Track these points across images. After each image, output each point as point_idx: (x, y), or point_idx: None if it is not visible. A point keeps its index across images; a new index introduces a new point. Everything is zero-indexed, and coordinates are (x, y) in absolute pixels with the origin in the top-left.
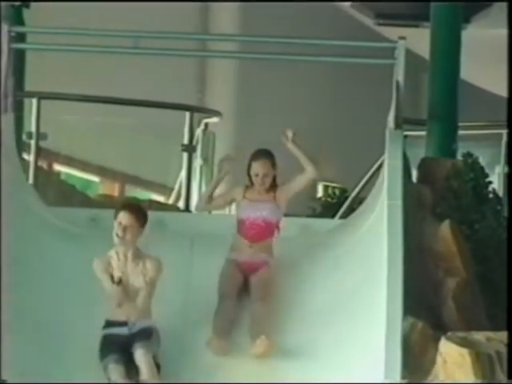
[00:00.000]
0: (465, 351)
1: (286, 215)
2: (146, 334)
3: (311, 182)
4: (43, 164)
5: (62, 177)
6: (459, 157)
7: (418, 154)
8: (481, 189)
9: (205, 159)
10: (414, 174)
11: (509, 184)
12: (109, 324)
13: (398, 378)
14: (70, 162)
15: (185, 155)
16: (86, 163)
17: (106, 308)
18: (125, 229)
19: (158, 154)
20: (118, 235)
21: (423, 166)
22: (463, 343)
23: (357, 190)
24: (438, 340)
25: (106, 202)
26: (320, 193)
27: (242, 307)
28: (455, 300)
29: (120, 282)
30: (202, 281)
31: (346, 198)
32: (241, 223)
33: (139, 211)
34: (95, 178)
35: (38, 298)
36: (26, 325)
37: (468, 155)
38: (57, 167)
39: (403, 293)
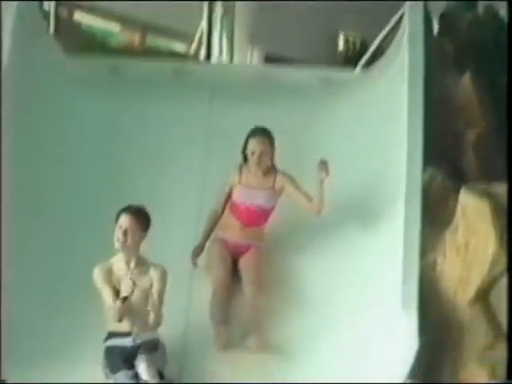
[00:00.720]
0: (485, 202)
1: (306, 65)
2: (151, 347)
3: (308, 211)
4: (64, 13)
5: (83, 26)
6: (480, 8)
7: (439, 5)
8: (502, 40)
9: (225, 9)
10: (436, 26)
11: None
12: (111, 335)
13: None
14: (91, 10)
15: (205, 4)
16: (107, 11)
17: (107, 320)
18: (125, 232)
19: (178, 2)
20: (118, 239)
21: (444, 17)
22: (483, 194)
23: (378, 40)
24: (457, 191)
25: (126, 52)
26: (341, 46)
27: (235, 291)
28: (475, 151)
29: (125, 299)
30: (220, 136)
31: (367, 48)
32: (235, 206)
33: (140, 213)
34: (116, 27)
35: (57, 153)
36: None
37: (489, 7)
38: (78, 16)
39: (423, 143)
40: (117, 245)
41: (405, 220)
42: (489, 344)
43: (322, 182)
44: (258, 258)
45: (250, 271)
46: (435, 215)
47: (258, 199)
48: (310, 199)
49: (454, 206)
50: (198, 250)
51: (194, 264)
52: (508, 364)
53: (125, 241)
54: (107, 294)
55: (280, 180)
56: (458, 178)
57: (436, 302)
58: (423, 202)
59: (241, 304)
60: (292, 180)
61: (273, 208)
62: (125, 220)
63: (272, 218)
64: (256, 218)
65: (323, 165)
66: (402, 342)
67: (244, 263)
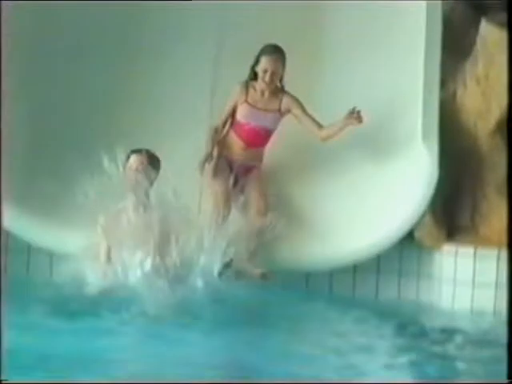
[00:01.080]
0: (504, 34)
1: None
2: None
3: (312, 133)
4: None
5: None
6: None
7: None
8: None
9: None
10: None
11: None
12: None
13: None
14: None
15: None
16: None
17: None
18: (137, 172)
19: None
20: (130, 180)
21: None
22: (504, 25)
23: None
24: (478, 22)
25: None
26: None
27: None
28: None
29: None
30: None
31: None
32: (238, 125)
33: (149, 154)
34: None
35: None
36: None
37: None
38: None
39: None
40: (128, 187)
41: (425, 51)
42: (507, 175)
43: (347, 125)
44: (262, 179)
45: (254, 190)
46: (455, 46)
47: (265, 121)
48: (318, 125)
49: (474, 38)
50: (206, 157)
51: (201, 172)
52: (508, 364)
53: (137, 181)
54: (101, 251)
55: (287, 102)
56: (479, 8)
57: (456, 134)
58: (443, 33)
59: (245, 229)
60: (299, 102)
61: (275, 129)
62: (134, 159)
63: (273, 139)
64: (259, 139)
65: (356, 114)
66: (422, 175)
67: (247, 183)
